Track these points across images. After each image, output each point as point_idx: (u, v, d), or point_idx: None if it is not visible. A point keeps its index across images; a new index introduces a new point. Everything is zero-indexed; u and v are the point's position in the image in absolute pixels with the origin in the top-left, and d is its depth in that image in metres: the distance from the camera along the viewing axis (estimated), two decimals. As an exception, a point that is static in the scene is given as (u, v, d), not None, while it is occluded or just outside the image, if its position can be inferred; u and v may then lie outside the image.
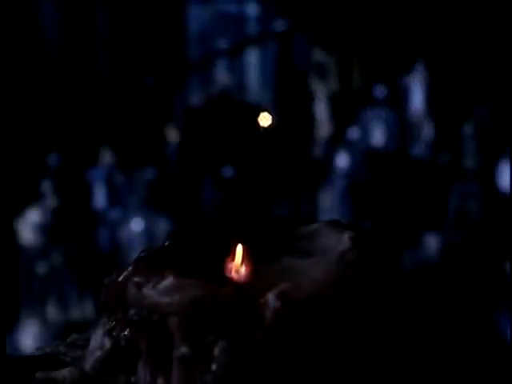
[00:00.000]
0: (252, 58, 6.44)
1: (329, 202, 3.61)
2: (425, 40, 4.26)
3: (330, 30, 4.79)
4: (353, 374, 0.60)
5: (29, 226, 3.58)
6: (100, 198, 4.50)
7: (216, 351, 0.59)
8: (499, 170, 3.61)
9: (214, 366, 0.59)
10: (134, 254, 0.67)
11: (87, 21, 5.42)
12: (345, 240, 0.66)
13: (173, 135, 4.79)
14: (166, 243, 0.68)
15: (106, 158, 4.46)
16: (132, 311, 0.62)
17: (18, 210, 3.77)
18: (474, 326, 3.09)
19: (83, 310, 3.81)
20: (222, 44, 5.10)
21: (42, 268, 3.75)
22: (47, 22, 5.36)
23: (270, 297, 0.60)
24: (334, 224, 0.70)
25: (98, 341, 0.63)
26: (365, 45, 4.84)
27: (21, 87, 5.30)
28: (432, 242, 3.53)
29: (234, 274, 0.64)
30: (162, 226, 3.93)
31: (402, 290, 0.66)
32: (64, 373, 0.62)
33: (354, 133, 3.79)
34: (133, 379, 0.62)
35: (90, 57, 5.49)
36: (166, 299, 0.61)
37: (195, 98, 5.97)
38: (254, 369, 0.59)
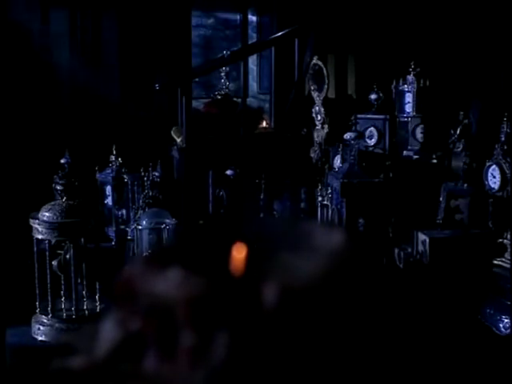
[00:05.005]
0: (252, 64, 6.42)
1: (326, 200, 3.61)
2: (417, 48, 4.26)
3: (327, 37, 4.79)
4: (346, 359, 0.61)
5: (43, 222, 3.59)
6: (109, 197, 4.51)
7: (219, 341, 0.60)
8: (487, 170, 3.61)
9: (217, 356, 0.60)
10: (142, 250, 0.67)
11: (97, 32, 5.42)
12: (338, 239, 0.66)
13: (177, 138, 4.79)
14: (173, 241, 0.68)
15: (115, 160, 4.47)
16: (141, 304, 0.63)
17: (34, 208, 3.78)
18: (462, 318, 3.09)
19: (94, 302, 3.81)
20: (224, 50, 5.10)
21: (55, 262, 3.75)
22: (60, 37, 5.38)
23: (269, 290, 0.61)
24: (328, 224, 0.71)
25: (109, 331, 0.63)
26: (360, 51, 4.84)
27: (38, 101, 5.31)
28: (423, 239, 3.53)
29: (235, 269, 0.64)
30: (168, 225, 3.93)
31: (393, 285, 0.66)
32: (77, 361, 0.63)
33: (349, 135, 3.79)
34: (140, 367, 0.63)
35: (99, 68, 5.49)
36: (173, 293, 0.62)
37: (198, 102, 5.96)
38: (255, 357, 0.59)
